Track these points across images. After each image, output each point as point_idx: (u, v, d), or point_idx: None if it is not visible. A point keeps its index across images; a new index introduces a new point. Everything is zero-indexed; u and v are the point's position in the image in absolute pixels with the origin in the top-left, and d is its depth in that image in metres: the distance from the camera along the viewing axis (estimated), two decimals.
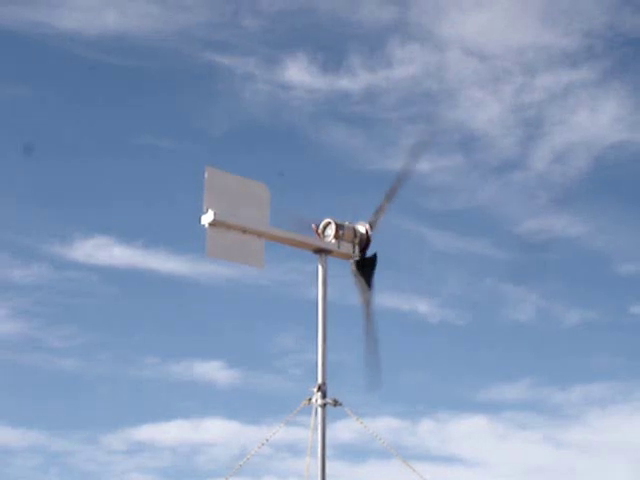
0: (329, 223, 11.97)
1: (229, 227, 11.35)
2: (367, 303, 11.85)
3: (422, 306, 27.14)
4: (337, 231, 11.89)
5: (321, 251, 11.85)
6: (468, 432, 27.19)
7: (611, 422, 26.97)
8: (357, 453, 23.33)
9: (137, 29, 27.47)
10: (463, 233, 27.35)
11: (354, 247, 12.00)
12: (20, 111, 28.11)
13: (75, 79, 28.08)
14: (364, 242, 12.01)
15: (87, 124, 28.21)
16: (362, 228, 12.07)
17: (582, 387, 27.46)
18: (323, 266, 11.81)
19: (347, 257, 12.00)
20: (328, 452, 11.29)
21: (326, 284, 11.75)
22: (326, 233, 11.95)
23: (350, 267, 11.98)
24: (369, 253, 12.01)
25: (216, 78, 28.00)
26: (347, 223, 12.04)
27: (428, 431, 26.94)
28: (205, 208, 11.29)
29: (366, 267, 11.99)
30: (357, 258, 11.96)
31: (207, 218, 11.26)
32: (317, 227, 11.97)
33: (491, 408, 27.04)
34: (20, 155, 26.85)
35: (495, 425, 27.22)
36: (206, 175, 11.35)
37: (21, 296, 27.19)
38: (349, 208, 12.09)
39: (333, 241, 11.88)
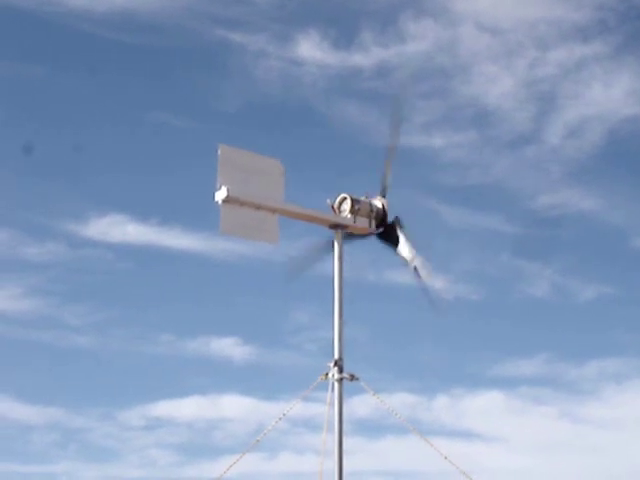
0: (345, 198, 11.94)
1: (242, 203, 11.35)
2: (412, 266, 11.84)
3: (437, 282, 27.06)
4: (353, 206, 11.87)
5: (337, 226, 11.83)
6: (484, 407, 27.22)
7: (626, 397, 26.96)
8: (374, 428, 23.37)
9: (147, 6, 27.42)
10: (477, 208, 27.27)
11: (370, 222, 11.97)
12: (32, 89, 28.11)
13: (86, 57, 28.05)
14: (381, 216, 11.99)
15: (99, 102, 28.22)
16: (379, 202, 12.05)
17: (598, 362, 27.44)
18: (339, 241, 11.80)
19: (363, 232, 11.98)
20: (345, 427, 11.31)
21: (342, 259, 11.74)
22: (342, 208, 11.93)
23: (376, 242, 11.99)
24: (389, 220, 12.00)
25: (228, 55, 27.94)
26: (363, 198, 12.02)
27: (443, 406, 26.98)
28: (218, 185, 11.28)
29: (391, 234, 11.97)
30: (377, 231, 11.96)
31: (220, 195, 11.26)
32: (333, 203, 11.94)
33: (507, 383, 27.05)
34: (33, 133, 26.88)
35: (511, 400, 27.24)
36: (219, 152, 11.34)
37: (37, 274, 27.30)
38: (365, 184, 12.08)
39: (349, 216, 11.86)
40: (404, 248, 11.91)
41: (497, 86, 27.79)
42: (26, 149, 25.97)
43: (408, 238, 11.93)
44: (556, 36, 27.54)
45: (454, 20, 27.24)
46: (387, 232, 12.02)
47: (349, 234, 11.95)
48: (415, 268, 11.90)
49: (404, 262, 11.94)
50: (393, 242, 11.99)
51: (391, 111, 12.29)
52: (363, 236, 12.07)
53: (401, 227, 11.97)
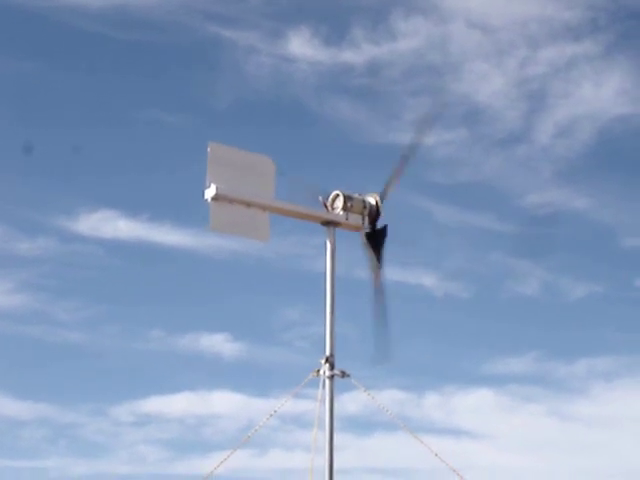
0: (337, 195, 11.93)
1: (232, 201, 11.34)
2: (376, 275, 11.83)
3: (427, 279, 27.14)
4: (345, 203, 11.86)
5: (329, 223, 11.82)
6: (474, 405, 27.30)
7: (616, 395, 27.06)
8: (364, 425, 23.41)
9: (140, 2, 27.40)
10: (467, 206, 27.32)
11: (363, 219, 11.97)
12: (25, 85, 28.09)
13: (78, 53, 28.02)
14: (374, 214, 11.98)
15: (91, 98, 28.18)
16: (372, 199, 12.04)
17: (587, 360, 27.52)
18: (331, 239, 11.79)
19: (356, 229, 11.97)
20: (335, 424, 11.32)
21: (334, 256, 11.73)
22: (335, 205, 11.92)
23: (360, 239, 11.95)
24: (379, 225, 11.98)
25: (219, 51, 27.94)
26: (356, 195, 12.01)
27: (434, 404, 27.04)
28: (208, 183, 11.27)
29: (376, 239, 11.95)
30: (367, 230, 11.95)
31: (210, 193, 11.26)
32: (325, 199, 11.93)
33: (496, 381, 27.12)
34: (24, 129, 26.84)
35: (500, 398, 27.31)
36: (209, 150, 11.32)
37: (27, 269, 27.30)
38: (356, 180, 12.06)
39: (341, 213, 11.86)
40: (374, 259, 11.90)
41: (488, 84, 27.85)
42: (26, 149, 25.96)
43: (382, 253, 11.92)
44: (547, 35, 27.61)
45: (445, 17, 27.29)
46: (372, 235, 11.99)
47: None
48: (375, 280, 11.85)
49: (369, 266, 11.90)
50: (374, 247, 11.96)
51: (419, 118, 12.19)
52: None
53: (384, 238, 11.95)
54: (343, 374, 11.44)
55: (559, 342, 27.71)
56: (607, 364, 27.39)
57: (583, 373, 27.46)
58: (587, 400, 27.21)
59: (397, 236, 12.19)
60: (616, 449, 25.48)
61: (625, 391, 26.93)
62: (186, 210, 24.13)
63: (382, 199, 11.95)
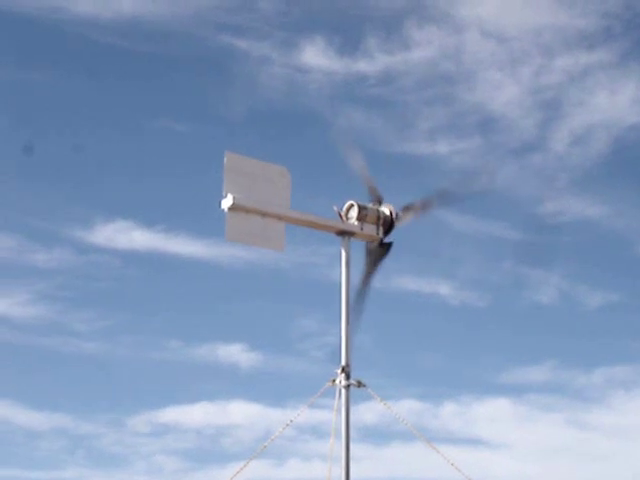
0: (352, 205, 11.95)
1: (248, 211, 11.37)
2: (365, 283, 11.82)
3: (443, 288, 27.10)
4: (360, 213, 11.88)
5: (344, 233, 11.84)
6: (491, 414, 27.21)
7: (634, 404, 26.92)
8: (381, 435, 23.39)
9: (152, 13, 27.49)
10: (482, 215, 27.28)
11: (378, 229, 11.98)
12: (38, 95, 28.20)
13: (91, 63, 28.13)
14: (388, 224, 11.99)
15: (106, 108, 28.28)
16: (386, 210, 12.05)
17: (605, 370, 27.41)
18: (346, 248, 11.81)
19: (370, 239, 12.00)
20: (352, 434, 11.31)
21: (349, 266, 11.75)
22: (349, 215, 11.94)
23: (367, 245, 11.98)
24: (391, 237, 12.01)
25: (232, 62, 27.99)
26: (370, 205, 12.03)
27: (451, 413, 26.97)
28: (224, 193, 11.31)
29: (379, 252, 11.99)
30: (381, 238, 11.97)
31: (226, 203, 11.28)
32: (340, 210, 11.95)
33: (514, 391, 27.04)
34: (38, 139, 26.95)
35: (518, 408, 27.22)
36: (225, 160, 11.36)
37: (44, 280, 27.37)
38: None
39: (356, 223, 11.87)
40: (370, 267, 11.93)
41: (502, 93, 27.82)
42: (26, 149, 26.04)
43: (379, 265, 11.95)
44: (561, 43, 27.57)
45: (458, 27, 27.29)
46: (378, 246, 12.03)
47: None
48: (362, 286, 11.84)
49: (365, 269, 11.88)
50: (375, 256, 12.00)
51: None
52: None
53: (386, 252, 11.99)
54: (359, 384, 11.43)
55: (577, 351, 27.65)
56: (625, 373, 27.29)
57: (601, 382, 27.36)
58: (605, 409, 27.11)
59: (413, 246, 12.20)
60: (635, 458, 25.33)
61: None
62: (201, 220, 24.25)
63: (380, 203, 11.99)
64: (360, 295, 11.75)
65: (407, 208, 12.07)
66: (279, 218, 11.59)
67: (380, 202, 12.05)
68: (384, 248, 12.02)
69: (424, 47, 27.14)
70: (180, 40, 27.85)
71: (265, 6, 27.79)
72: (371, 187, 12.03)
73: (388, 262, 12.07)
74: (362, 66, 27.23)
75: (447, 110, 27.95)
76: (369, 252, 12.02)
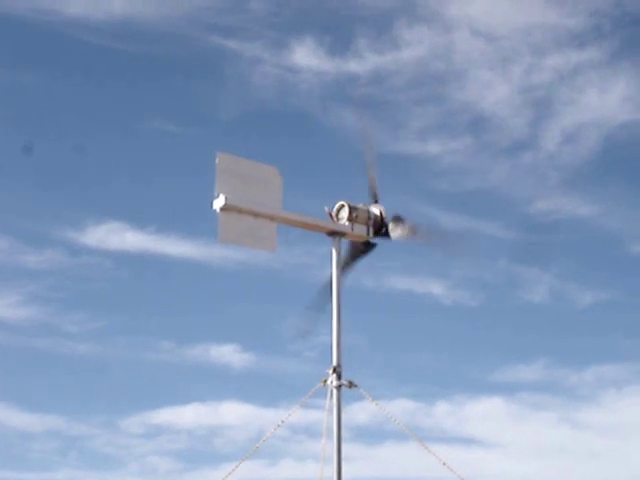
0: (343, 206, 11.98)
1: (240, 211, 11.38)
2: (340, 275, 11.82)
3: (435, 288, 27.14)
4: (350, 213, 11.90)
5: (335, 233, 11.87)
6: (484, 413, 27.25)
7: (626, 403, 26.98)
8: (373, 435, 23.41)
9: (143, 14, 27.49)
10: (474, 215, 27.31)
11: (368, 229, 12.01)
12: (28, 97, 28.18)
13: (83, 65, 28.11)
14: (378, 224, 12.02)
15: (97, 110, 28.28)
16: (376, 210, 12.08)
17: (597, 368, 27.47)
18: (337, 249, 11.83)
19: (361, 239, 12.02)
20: (344, 434, 11.33)
21: (340, 266, 11.76)
22: (340, 216, 11.96)
23: (351, 243, 12.01)
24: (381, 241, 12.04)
25: (223, 62, 28.01)
26: (361, 205, 12.06)
27: (444, 413, 27.01)
28: (216, 193, 11.31)
29: (362, 249, 12.03)
30: (372, 239, 12.00)
31: (218, 203, 11.29)
32: (331, 210, 11.97)
33: (506, 389, 27.09)
34: (30, 140, 26.93)
35: (510, 406, 27.26)
36: (217, 160, 11.36)
37: (35, 282, 27.34)
38: (362, 191, 12.09)
39: (347, 224, 11.89)
40: (348, 262, 11.98)
41: (493, 92, 27.87)
42: (26, 149, 26.02)
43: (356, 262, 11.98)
44: (551, 42, 27.63)
45: (448, 26, 27.33)
46: (364, 245, 12.08)
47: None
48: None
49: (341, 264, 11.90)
50: (356, 252, 12.05)
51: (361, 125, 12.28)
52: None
53: (367, 252, 12.03)
54: (351, 384, 11.45)
55: (568, 350, 27.69)
56: (617, 371, 27.35)
57: (593, 381, 27.42)
58: (597, 408, 27.17)
59: (404, 245, 12.23)
60: (627, 457, 25.41)
61: (635, 398, 26.88)
62: (193, 221, 24.25)
63: (376, 202, 12.03)
64: (328, 289, 11.74)
65: (396, 220, 12.07)
66: (271, 219, 11.60)
67: (376, 202, 12.07)
68: (367, 247, 12.05)
69: (414, 47, 27.20)
70: (171, 41, 27.88)
71: (256, 7, 27.83)
72: (373, 186, 12.05)
73: (380, 261, 12.11)
74: (352, 66, 27.26)
75: (438, 109, 28.01)
76: (351, 247, 12.04)
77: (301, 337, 11.96)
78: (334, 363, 11.48)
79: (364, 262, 12.11)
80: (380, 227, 12.02)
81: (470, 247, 12.46)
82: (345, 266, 11.92)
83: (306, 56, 27.08)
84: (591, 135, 27.76)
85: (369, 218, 12.01)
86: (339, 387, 11.37)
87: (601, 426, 26.85)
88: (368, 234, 12.00)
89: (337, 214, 11.98)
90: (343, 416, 11.35)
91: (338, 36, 27.51)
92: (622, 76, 27.93)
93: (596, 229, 28.35)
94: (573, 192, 28.52)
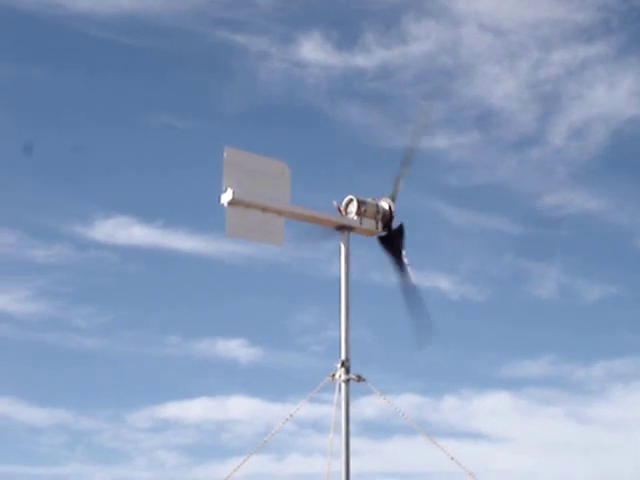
0: (351, 200, 11.96)
1: (248, 206, 11.37)
2: (403, 276, 11.82)
3: (443, 283, 27.11)
4: (359, 208, 11.89)
5: (343, 228, 11.85)
6: (491, 408, 27.23)
7: (634, 398, 26.94)
8: (381, 429, 23.39)
9: (151, 8, 27.47)
10: (482, 209, 27.28)
11: (377, 223, 11.99)
12: (36, 91, 28.18)
13: (90, 59, 28.11)
14: (387, 218, 12.00)
15: (104, 104, 28.26)
16: (385, 204, 12.06)
17: (605, 363, 27.42)
18: (345, 243, 11.82)
19: (369, 233, 12.01)
20: (352, 428, 11.32)
21: (348, 261, 11.76)
22: (348, 210, 11.95)
23: (377, 244, 11.99)
24: (395, 224, 12.00)
25: (231, 57, 27.98)
26: (370, 199, 12.04)
27: (451, 407, 26.99)
28: (224, 187, 11.31)
29: (394, 240, 11.98)
30: (381, 234, 11.98)
31: (226, 197, 11.29)
32: (339, 205, 11.96)
33: (514, 384, 27.05)
34: (36, 135, 26.95)
35: (518, 401, 27.24)
36: (225, 155, 11.36)
37: (43, 276, 27.37)
38: (371, 185, 12.09)
39: (355, 218, 11.88)
40: (395, 261, 11.94)
41: (500, 87, 27.81)
42: (26, 149, 26.03)
43: (402, 252, 11.95)
44: (559, 37, 27.56)
45: (456, 21, 27.27)
46: (389, 238, 12.03)
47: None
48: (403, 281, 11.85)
49: (395, 269, 11.89)
50: (393, 248, 12.00)
51: (417, 116, 12.26)
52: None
53: (401, 237, 11.99)
54: (359, 378, 11.44)
55: (576, 344, 27.64)
56: (625, 366, 27.30)
57: (601, 375, 27.37)
58: (605, 402, 27.13)
59: (412, 239, 12.22)
60: (634, 451, 25.37)
61: None
62: (200, 216, 24.24)
63: (393, 200, 12.00)
64: (408, 292, 11.71)
65: (394, 184, 12.04)
66: (279, 213, 11.59)
67: (393, 200, 12.04)
68: (397, 234, 12.00)
69: (422, 41, 27.15)
70: (179, 36, 27.86)
71: (263, 1, 27.80)
72: (398, 183, 12.03)
73: (387, 257, 12.06)
74: (360, 60, 27.24)
75: (445, 104, 27.93)
76: (384, 248, 11.98)
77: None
78: (342, 357, 11.48)
79: (373, 256, 12.10)
80: (389, 221, 11.99)
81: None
82: (399, 268, 11.87)
83: (313, 51, 27.06)
84: (599, 130, 27.71)
85: (378, 212, 11.99)
86: (347, 381, 11.37)
87: (608, 421, 26.83)
88: (377, 228, 11.99)
89: (346, 208, 11.96)
90: (351, 410, 11.36)
91: (345, 31, 27.50)
92: (630, 71, 27.88)
93: (604, 224, 28.31)
94: (581, 187, 28.48)
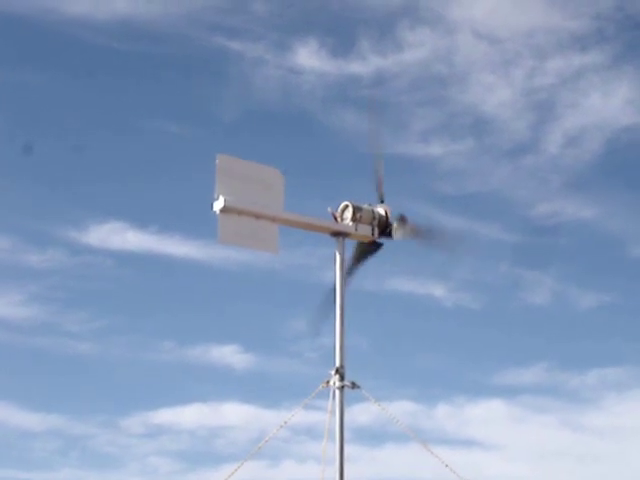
0: (347, 206, 11.95)
1: (241, 213, 11.35)
2: (343, 280, 11.80)
3: (437, 290, 27.13)
4: (355, 214, 11.87)
5: (338, 234, 11.84)
6: (485, 416, 27.24)
7: (627, 406, 26.97)
8: (375, 436, 23.38)
9: (146, 14, 27.50)
10: (476, 217, 27.30)
11: (373, 229, 11.97)
12: (30, 96, 28.18)
13: (85, 64, 28.11)
14: (383, 224, 11.99)
15: (99, 109, 28.29)
16: (381, 210, 12.05)
17: (598, 371, 27.45)
18: (340, 249, 11.80)
19: (365, 239, 11.99)
20: (346, 435, 11.31)
21: (344, 267, 11.75)
22: (344, 216, 11.94)
23: (357, 244, 11.99)
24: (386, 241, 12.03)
25: (226, 63, 28.01)
26: (365, 206, 12.03)
27: (445, 415, 27.00)
28: (216, 195, 11.28)
29: (367, 250, 12.01)
30: (377, 240, 11.98)
31: (218, 205, 11.26)
32: (335, 211, 11.94)
33: (508, 392, 27.07)
34: (31, 140, 26.94)
35: (512, 409, 27.25)
36: (217, 162, 11.34)
37: (37, 281, 27.37)
38: (365, 192, 12.10)
39: (351, 224, 11.87)
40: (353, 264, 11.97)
41: (495, 95, 27.87)
42: (26, 149, 26.03)
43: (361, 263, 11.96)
44: (554, 45, 27.63)
45: (451, 29, 27.34)
46: (370, 245, 12.07)
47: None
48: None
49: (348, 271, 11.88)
50: (361, 253, 12.04)
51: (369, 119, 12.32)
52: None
53: (373, 252, 12.02)
54: (353, 385, 11.43)
55: (570, 352, 27.68)
56: (618, 375, 27.33)
57: (594, 384, 27.40)
58: (598, 411, 27.15)
59: (406, 247, 12.22)
60: (628, 460, 25.39)
61: (636, 402, 26.85)
62: (195, 222, 24.23)
63: (382, 201, 12.03)
64: (332, 291, 11.71)
65: (401, 220, 12.04)
66: (272, 220, 11.57)
67: (382, 202, 12.05)
68: (373, 247, 12.02)
69: (417, 49, 27.21)
70: (174, 41, 27.89)
71: (259, 8, 27.85)
72: (380, 186, 12.04)
73: (382, 263, 12.08)
74: (355, 68, 27.28)
75: (440, 112, 28.01)
76: (357, 247, 12.02)
77: (313, 334, 11.89)
78: (337, 364, 11.46)
79: (367, 264, 12.08)
80: (385, 227, 11.99)
81: (471, 248, 12.42)
82: (351, 268, 11.90)
83: (309, 57, 27.11)
84: (593, 138, 27.77)
85: (374, 218, 11.97)
86: (342, 388, 11.36)
87: (602, 429, 26.85)
88: (373, 234, 11.97)
89: (341, 214, 11.95)
90: (345, 417, 11.34)
91: (341, 38, 27.55)
92: (624, 79, 27.96)
93: (598, 232, 28.36)
94: (575, 195, 28.54)
